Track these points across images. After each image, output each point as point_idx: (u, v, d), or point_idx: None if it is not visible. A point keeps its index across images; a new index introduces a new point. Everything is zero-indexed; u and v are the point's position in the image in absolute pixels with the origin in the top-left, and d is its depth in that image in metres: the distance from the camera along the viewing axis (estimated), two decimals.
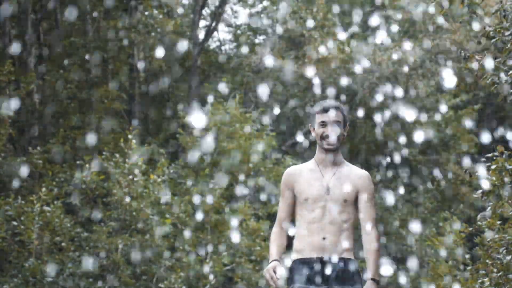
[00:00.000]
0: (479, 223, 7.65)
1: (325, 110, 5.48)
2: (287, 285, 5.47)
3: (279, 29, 26.30)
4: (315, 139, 5.56)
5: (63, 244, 15.93)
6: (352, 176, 5.50)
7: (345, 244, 5.40)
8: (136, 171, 16.50)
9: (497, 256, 7.37)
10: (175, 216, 16.96)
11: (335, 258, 5.37)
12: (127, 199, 16.28)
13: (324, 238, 5.38)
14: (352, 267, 5.38)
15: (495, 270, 7.30)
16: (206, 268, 16.68)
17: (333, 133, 5.46)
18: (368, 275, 5.33)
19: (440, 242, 7.87)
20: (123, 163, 16.59)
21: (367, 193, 5.46)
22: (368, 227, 5.40)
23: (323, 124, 5.48)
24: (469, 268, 7.95)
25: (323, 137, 5.48)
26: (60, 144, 19.06)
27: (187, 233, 17.18)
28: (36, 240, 15.38)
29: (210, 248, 17.84)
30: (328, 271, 5.33)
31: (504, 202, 7.14)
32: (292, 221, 5.62)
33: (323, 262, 5.36)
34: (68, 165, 18.68)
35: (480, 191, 7.16)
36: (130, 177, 16.45)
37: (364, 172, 5.55)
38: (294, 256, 5.49)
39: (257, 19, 29.09)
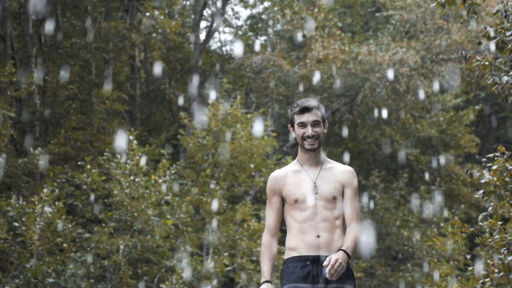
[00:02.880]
0: (480, 223, 7.66)
1: (304, 111, 5.48)
2: (280, 285, 5.47)
3: (280, 30, 26.32)
4: (296, 139, 5.56)
5: (64, 245, 15.95)
6: (337, 172, 5.53)
7: (340, 242, 5.40)
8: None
9: (499, 256, 7.38)
10: (176, 216, 16.98)
11: (330, 257, 5.35)
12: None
13: (318, 236, 5.38)
14: (348, 267, 5.36)
15: (496, 270, 7.30)
16: (207, 269, 16.69)
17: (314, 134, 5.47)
18: (342, 247, 5.31)
19: (441, 242, 7.86)
20: (124, 164, 16.60)
21: (351, 187, 5.49)
22: (351, 221, 5.43)
23: (303, 124, 5.47)
24: (470, 268, 7.96)
25: (304, 138, 5.48)
26: (61, 145, 19.07)
27: (188, 234, 17.21)
28: (38, 241, 15.39)
29: (211, 248, 17.86)
30: (323, 269, 5.32)
31: (505, 202, 7.14)
32: (283, 224, 5.62)
33: (318, 261, 5.35)
34: (70, 166, 18.70)
35: (481, 191, 7.17)
36: (131, 177, 16.46)
37: (347, 168, 5.57)
38: (287, 254, 5.47)
39: (258, 19, 29.12)
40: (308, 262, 5.35)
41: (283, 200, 5.53)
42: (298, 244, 5.41)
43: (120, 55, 23.42)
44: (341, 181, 5.49)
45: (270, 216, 5.55)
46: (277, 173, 5.58)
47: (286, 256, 5.47)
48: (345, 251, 5.26)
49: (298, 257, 5.39)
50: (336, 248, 5.36)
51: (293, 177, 5.52)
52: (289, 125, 5.59)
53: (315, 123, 5.46)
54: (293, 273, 5.37)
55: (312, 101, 5.50)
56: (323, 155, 5.58)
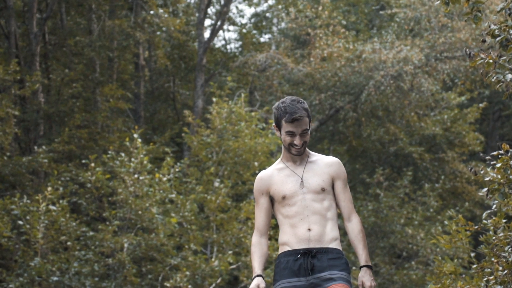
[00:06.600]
0: (484, 221, 7.65)
1: (293, 120, 5.41)
2: (273, 280, 5.48)
3: (284, 28, 26.31)
4: (281, 139, 5.54)
5: (68, 243, 15.96)
6: (323, 164, 5.52)
7: (332, 234, 5.40)
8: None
9: (503, 254, 7.37)
10: (180, 215, 16.99)
11: (322, 249, 5.36)
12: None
13: (309, 229, 5.38)
14: (341, 256, 5.38)
15: (500, 268, 7.30)
16: (212, 267, 16.69)
17: (303, 142, 5.46)
18: (360, 262, 5.35)
19: (445, 240, 7.86)
20: (128, 162, 16.61)
21: (341, 179, 5.50)
22: (348, 213, 5.46)
23: (292, 134, 5.44)
24: (474, 266, 7.95)
25: (292, 145, 5.45)
26: (65, 143, 19.09)
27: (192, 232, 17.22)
28: (42, 239, 15.40)
29: (215, 247, 17.87)
30: (315, 261, 5.33)
31: (510, 200, 7.13)
32: (276, 225, 5.64)
33: (310, 254, 5.35)
34: (74, 164, 18.71)
35: (485, 189, 7.15)
36: (136, 176, 16.47)
37: (333, 159, 5.57)
38: (280, 249, 5.49)
39: (262, 17, 29.12)
40: (299, 255, 5.36)
41: (271, 200, 5.54)
42: (289, 238, 5.42)
43: (124, 53, 23.44)
44: (329, 173, 5.49)
45: (259, 217, 5.55)
46: (262, 174, 5.59)
47: (279, 252, 5.49)
48: (367, 266, 5.34)
49: (289, 251, 5.40)
50: (328, 240, 5.39)
51: (278, 175, 5.52)
52: (274, 124, 5.55)
53: (303, 132, 5.44)
54: (286, 268, 5.38)
55: (301, 109, 5.42)
56: (307, 150, 5.58)
